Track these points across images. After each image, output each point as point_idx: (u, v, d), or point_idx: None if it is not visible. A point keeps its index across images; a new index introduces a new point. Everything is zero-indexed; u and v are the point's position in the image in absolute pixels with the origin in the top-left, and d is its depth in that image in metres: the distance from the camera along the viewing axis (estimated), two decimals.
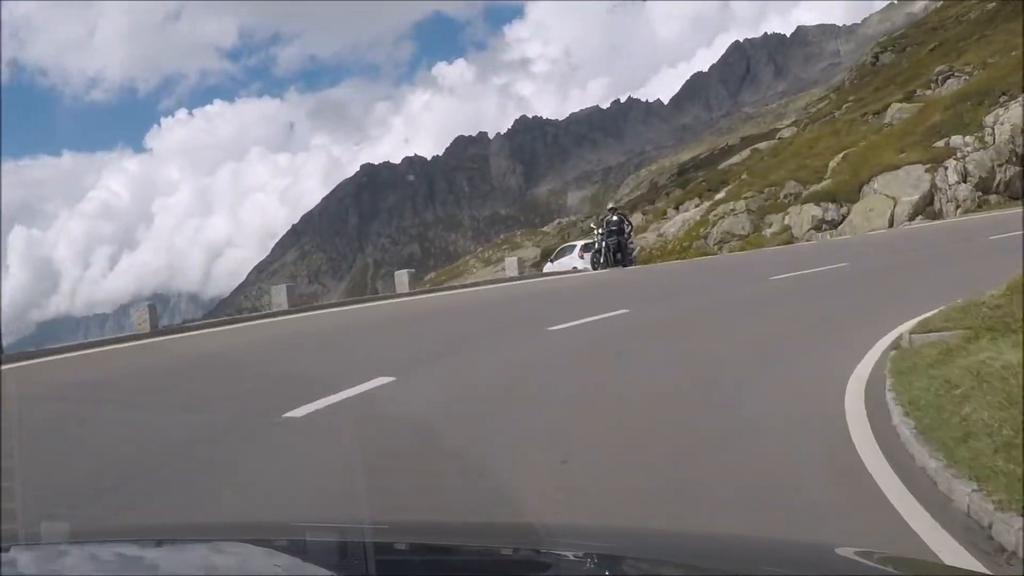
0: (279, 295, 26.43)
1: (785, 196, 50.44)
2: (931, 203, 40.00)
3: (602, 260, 37.58)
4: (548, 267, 46.92)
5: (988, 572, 5.12)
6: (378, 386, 11.99)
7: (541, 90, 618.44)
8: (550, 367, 13.89)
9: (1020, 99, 41.03)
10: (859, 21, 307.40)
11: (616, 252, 37.33)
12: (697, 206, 62.82)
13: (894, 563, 2.80)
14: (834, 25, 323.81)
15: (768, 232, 47.24)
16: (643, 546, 2.93)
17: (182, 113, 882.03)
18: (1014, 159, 40.04)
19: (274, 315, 25.15)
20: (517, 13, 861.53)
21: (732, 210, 51.64)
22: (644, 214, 74.80)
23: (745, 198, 52.07)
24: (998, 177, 39.98)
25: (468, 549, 2.84)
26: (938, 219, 39.12)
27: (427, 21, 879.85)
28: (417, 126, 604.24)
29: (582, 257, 42.22)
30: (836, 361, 12.03)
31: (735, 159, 74.24)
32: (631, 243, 39.55)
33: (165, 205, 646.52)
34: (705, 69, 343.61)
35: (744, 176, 60.08)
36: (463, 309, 24.62)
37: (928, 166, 40.98)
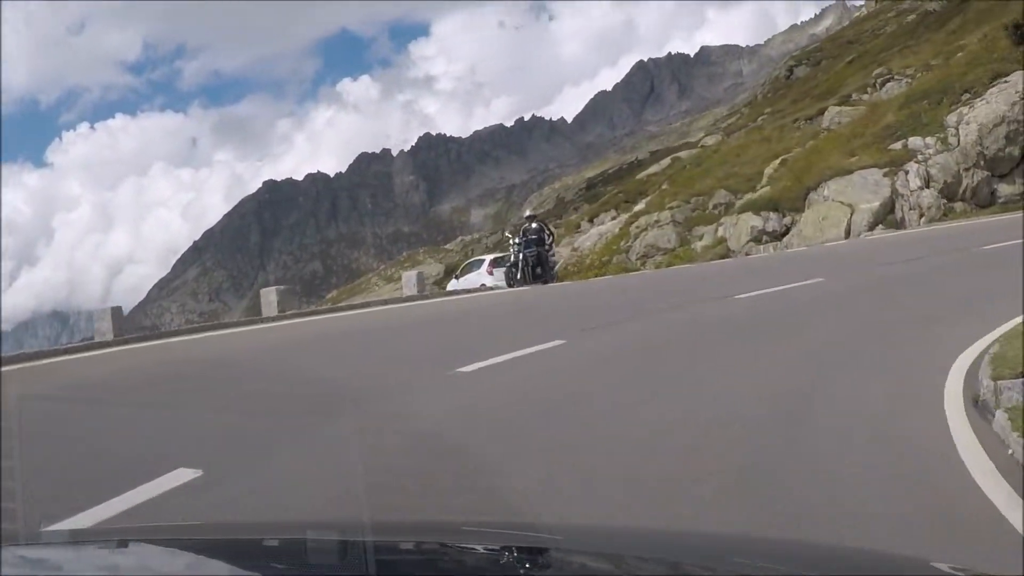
0: (103, 320, 19.60)
1: (715, 206, 45.19)
2: (892, 211, 34.76)
3: (519, 275, 31.43)
4: (453, 284, 41.00)
5: (989, 572, 4.45)
6: (175, 488, 7.31)
7: (445, 107, 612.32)
8: (468, 448, 8.45)
9: (986, 97, 36.05)
10: (762, 42, 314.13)
11: (536, 266, 31.33)
12: (614, 219, 57.28)
13: (892, 562, 2.77)
14: (737, 46, 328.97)
15: (699, 245, 41.80)
16: (643, 546, 2.89)
17: (84, 127, 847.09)
18: (982, 163, 35.00)
19: (96, 347, 18.44)
20: (423, 31, 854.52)
21: (656, 222, 46.18)
22: (555, 228, 68.98)
23: (670, 208, 46.70)
24: (964, 183, 34.86)
25: (468, 549, 2.81)
26: (901, 229, 33.91)
27: (332, 37, 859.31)
28: (320, 142, 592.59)
29: (491, 273, 36.22)
30: (912, 431, 8.28)
31: (654, 168, 68.78)
32: (553, 255, 33.61)
33: (66, 220, 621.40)
34: (609, 88, 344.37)
35: (665, 186, 54.85)
36: (345, 339, 18.35)
37: (886, 170, 35.75)
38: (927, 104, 38.35)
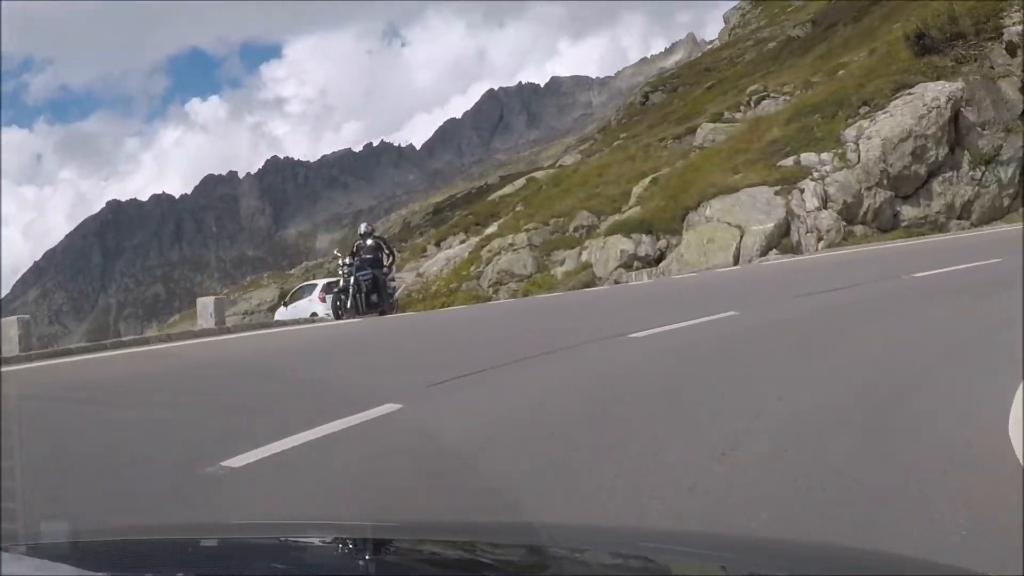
0: None
1: (576, 229, 39.80)
2: (787, 233, 29.66)
3: (349, 304, 25.20)
4: (280, 313, 34.68)
5: (988, 572, 4.10)
6: None
7: (295, 131, 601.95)
8: None
9: (889, 110, 31.40)
10: (612, 74, 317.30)
11: (371, 292, 25.24)
12: (463, 242, 51.52)
13: (892, 562, 2.72)
14: (587, 77, 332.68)
15: (559, 271, 36.25)
16: (643, 546, 2.79)
17: None
18: (885, 182, 30.22)
19: None
20: (274, 52, 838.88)
21: (510, 245, 40.52)
22: (399, 252, 62.85)
23: (527, 231, 41.17)
24: (866, 203, 29.99)
25: (468, 549, 2.68)
26: (798, 254, 28.77)
27: (182, 56, 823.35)
28: (167, 163, 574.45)
29: (323, 300, 29.70)
30: None
31: (507, 189, 63.08)
32: (392, 279, 27.56)
33: None
34: (459, 116, 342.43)
35: (520, 207, 49.37)
36: (84, 398, 12.17)
37: (777, 188, 30.66)
38: (819, 118, 33.52)
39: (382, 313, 25.03)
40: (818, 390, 9.07)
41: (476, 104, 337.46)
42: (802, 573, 2.25)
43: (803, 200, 29.64)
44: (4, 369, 15.20)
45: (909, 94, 31.58)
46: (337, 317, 25.04)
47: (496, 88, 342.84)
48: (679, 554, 2.54)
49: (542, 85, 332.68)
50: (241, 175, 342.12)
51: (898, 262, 21.99)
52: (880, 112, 31.51)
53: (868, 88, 33.59)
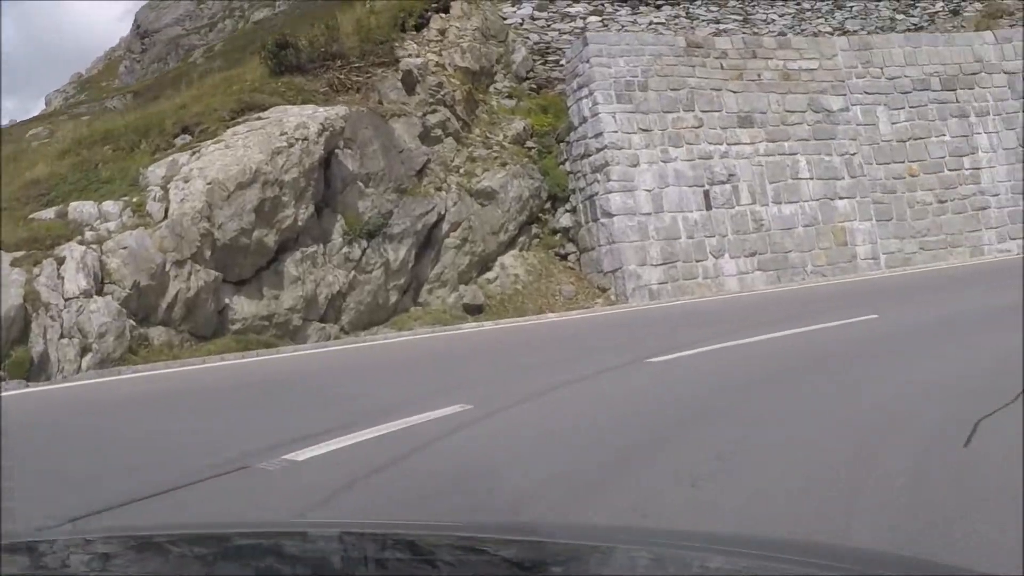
0: None
1: None
2: (25, 338, 14.88)
3: None
4: None
5: (988, 572, 3.69)
6: None
7: None
8: None
9: (225, 139, 18.57)
10: None
11: None
12: None
13: (892, 562, 2.48)
14: None
15: None
16: (643, 545, 2.47)
17: None
18: (209, 253, 17.13)
19: None
20: None
21: None
22: None
23: None
24: (175, 289, 16.56)
25: (467, 549, 2.40)
26: (44, 379, 14.20)
27: None
28: None
29: None
30: None
31: None
32: None
33: None
34: None
35: None
36: None
37: (22, 254, 16.23)
38: (111, 150, 19.79)
39: None
40: None
41: None
42: (802, 573, 2.01)
43: (60, 277, 15.53)
44: None
45: (259, 118, 19.01)
46: None
47: None
48: (679, 553, 2.25)
49: None
50: None
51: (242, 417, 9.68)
52: (211, 142, 18.48)
53: (194, 108, 20.80)
